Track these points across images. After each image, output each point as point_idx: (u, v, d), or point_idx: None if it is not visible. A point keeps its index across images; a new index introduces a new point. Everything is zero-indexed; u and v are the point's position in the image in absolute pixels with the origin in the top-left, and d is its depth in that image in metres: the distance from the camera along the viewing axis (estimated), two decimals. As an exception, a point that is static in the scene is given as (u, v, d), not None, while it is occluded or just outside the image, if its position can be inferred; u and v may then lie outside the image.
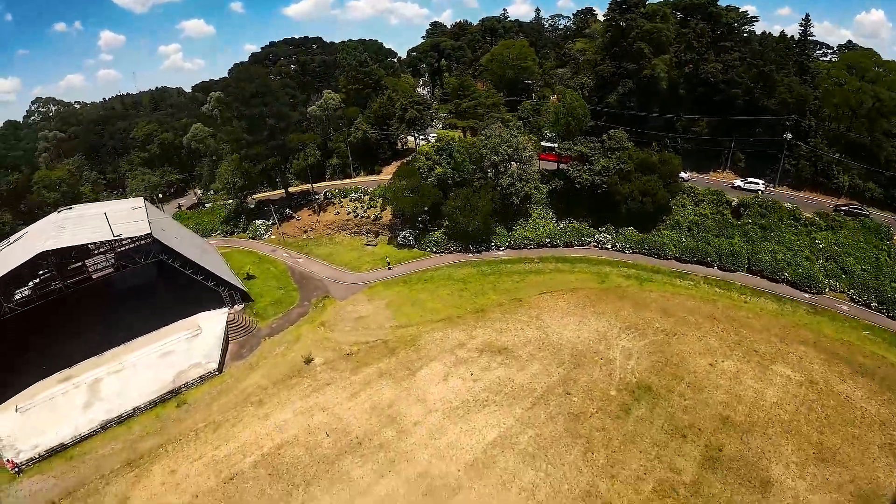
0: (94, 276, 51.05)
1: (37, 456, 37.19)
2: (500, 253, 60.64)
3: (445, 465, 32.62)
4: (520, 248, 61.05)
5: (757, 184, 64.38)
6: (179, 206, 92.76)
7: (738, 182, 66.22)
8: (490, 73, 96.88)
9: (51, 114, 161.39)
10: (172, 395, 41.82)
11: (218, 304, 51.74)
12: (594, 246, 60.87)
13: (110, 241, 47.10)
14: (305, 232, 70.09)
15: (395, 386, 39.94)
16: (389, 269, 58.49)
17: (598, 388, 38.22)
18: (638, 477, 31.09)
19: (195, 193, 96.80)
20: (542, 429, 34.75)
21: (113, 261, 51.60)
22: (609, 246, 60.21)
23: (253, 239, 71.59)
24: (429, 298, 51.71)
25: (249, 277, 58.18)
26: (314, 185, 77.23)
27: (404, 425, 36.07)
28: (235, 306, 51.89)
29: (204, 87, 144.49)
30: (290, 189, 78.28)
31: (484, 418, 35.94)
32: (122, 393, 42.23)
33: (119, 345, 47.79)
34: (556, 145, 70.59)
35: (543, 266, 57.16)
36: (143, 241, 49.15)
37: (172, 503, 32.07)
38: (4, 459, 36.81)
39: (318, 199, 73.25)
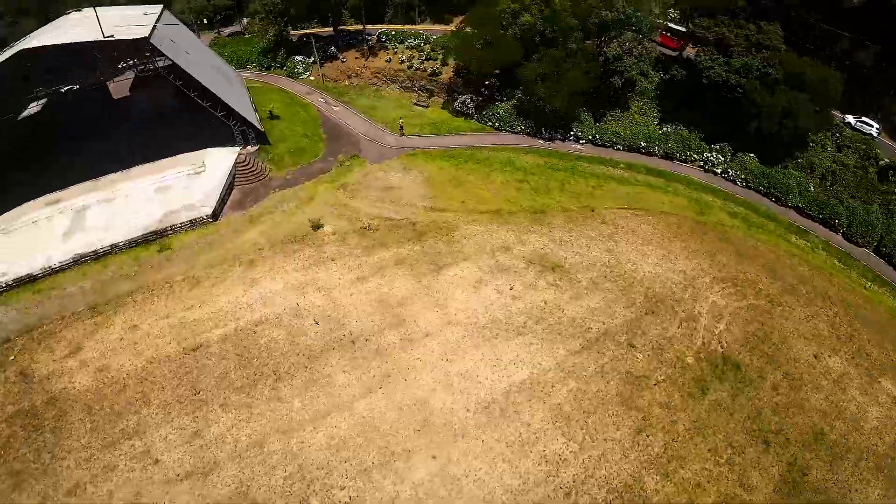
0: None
1: (4, 284, 32.59)
2: (579, 146, 47.56)
3: (453, 399, 24.98)
4: (605, 145, 47.52)
5: (871, 126, 47.54)
6: (219, 33, 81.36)
7: (850, 118, 48.80)
8: None
9: None
10: (157, 238, 35.32)
11: (232, 142, 43.24)
12: (699, 166, 46.56)
13: (100, 42, 37.57)
14: (349, 77, 58.29)
15: (413, 280, 31.53)
16: (402, 134, 47.54)
17: (671, 350, 28.34)
18: (698, 483, 22.55)
19: (241, 22, 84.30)
20: (587, 384, 25.95)
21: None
22: (719, 170, 45.87)
23: (290, 77, 60.66)
24: (478, 183, 40.99)
25: (273, 117, 48.62)
26: (368, 26, 63.29)
27: (413, 333, 28.24)
28: (248, 147, 43.23)
29: None
30: (342, 28, 64.76)
31: (515, 350, 27.38)
32: (107, 226, 36.14)
33: (117, 171, 41.07)
34: (683, 28, 52.73)
35: (630, 175, 44.15)
36: (147, 55, 40.05)
37: (124, 365, 26.62)
38: None
39: (370, 41, 59.99)
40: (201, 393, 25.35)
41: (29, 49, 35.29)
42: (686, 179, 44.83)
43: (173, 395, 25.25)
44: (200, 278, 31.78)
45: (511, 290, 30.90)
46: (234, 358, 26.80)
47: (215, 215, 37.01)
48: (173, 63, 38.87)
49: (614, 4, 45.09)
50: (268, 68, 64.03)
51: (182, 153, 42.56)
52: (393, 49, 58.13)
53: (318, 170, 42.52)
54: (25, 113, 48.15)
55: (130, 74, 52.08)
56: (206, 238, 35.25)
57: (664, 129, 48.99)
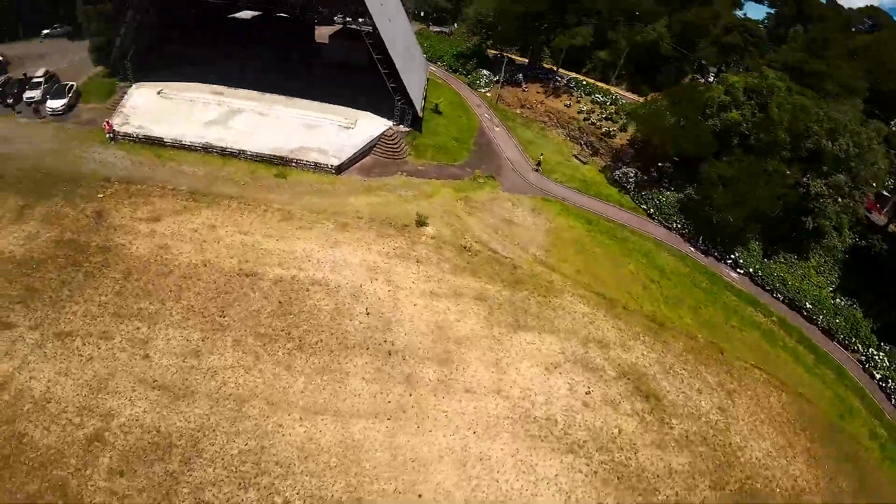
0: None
1: (133, 135, 34.93)
2: (734, 275, 39.64)
3: (456, 482, 19.95)
4: (765, 287, 38.92)
5: None
6: (428, 26, 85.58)
7: None
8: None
9: None
10: (280, 163, 35.57)
11: (389, 115, 43.05)
12: (859, 359, 36.24)
13: None
14: (522, 107, 56.41)
15: (485, 324, 27.16)
16: (537, 169, 44.39)
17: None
18: None
19: (451, 27, 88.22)
20: None
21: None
22: (878, 375, 35.17)
23: (469, 86, 60.74)
24: (604, 260, 35.54)
25: (436, 111, 48.15)
26: (562, 70, 61.41)
27: (454, 379, 23.82)
28: (401, 126, 42.70)
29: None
30: (537, 62, 63.64)
31: (556, 468, 21.47)
32: (246, 133, 37.53)
33: (282, 95, 43.04)
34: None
35: (779, 334, 35.32)
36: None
37: (182, 254, 26.19)
38: (105, 121, 35.62)
39: (559, 82, 57.80)
40: (226, 318, 23.58)
41: None
42: (839, 369, 34.79)
43: (201, 306, 23.83)
44: (293, 215, 30.76)
45: (587, 394, 25.02)
46: (276, 303, 24.75)
47: (339, 169, 36.38)
48: (374, 26, 39.70)
49: (838, 137, 37.22)
50: (454, 71, 64.95)
51: (343, 106, 43.31)
52: (577, 97, 55.14)
53: (452, 174, 40.37)
54: (239, 14, 53.43)
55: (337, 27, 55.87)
56: (319, 184, 34.61)
57: (837, 300, 39.22)
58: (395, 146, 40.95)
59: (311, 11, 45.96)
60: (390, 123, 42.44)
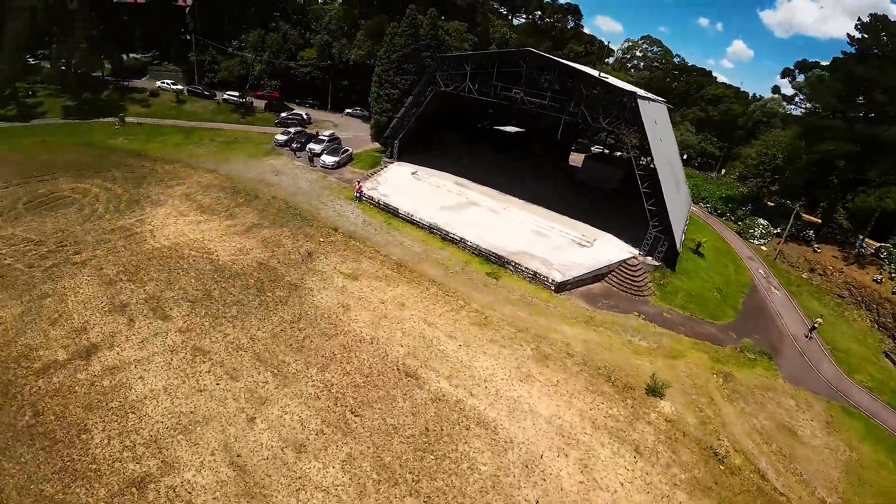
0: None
1: (376, 200, 35.31)
2: None
3: None
4: None
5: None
6: (695, 167, 76.97)
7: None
8: None
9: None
10: (497, 263, 30.85)
11: (634, 242, 35.39)
12: None
13: (592, 78, 35.96)
14: (812, 271, 41.47)
15: None
16: (810, 336, 28.65)
17: None
18: None
19: (717, 170, 78.01)
20: None
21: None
22: None
23: (739, 234, 48.84)
24: None
25: (696, 252, 38.24)
26: (869, 239, 44.44)
27: None
28: (648, 257, 34.21)
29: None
30: (834, 219, 47.99)
31: None
32: (474, 224, 34.60)
33: (520, 198, 40.04)
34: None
35: None
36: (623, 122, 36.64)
37: (350, 329, 21.96)
38: (357, 181, 36.99)
39: (863, 250, 41.24)
40: (356, 418, 17.54)
41: (532, 51, 36.71)
42: None
43: (341, 389, 18.53)
44: (489, 323, 24.64)
45: None
46: (422, 427, 17.75)
47: (560, 287, 29.53)
48: (644, 135, 33.71)
49: None
50: (720, 215, 54.23)
51: (581, 222, 37.61)
52: (890, 272, 37.80)
53: (708, 335, 29.12)
54: (503, 127, 55.11)
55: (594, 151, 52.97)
56: (532, 297, 28.19)
57: None
58: (637, 279, 32.34)
59: (581, 119, 43.52)
60: (635, 251, 34.39)
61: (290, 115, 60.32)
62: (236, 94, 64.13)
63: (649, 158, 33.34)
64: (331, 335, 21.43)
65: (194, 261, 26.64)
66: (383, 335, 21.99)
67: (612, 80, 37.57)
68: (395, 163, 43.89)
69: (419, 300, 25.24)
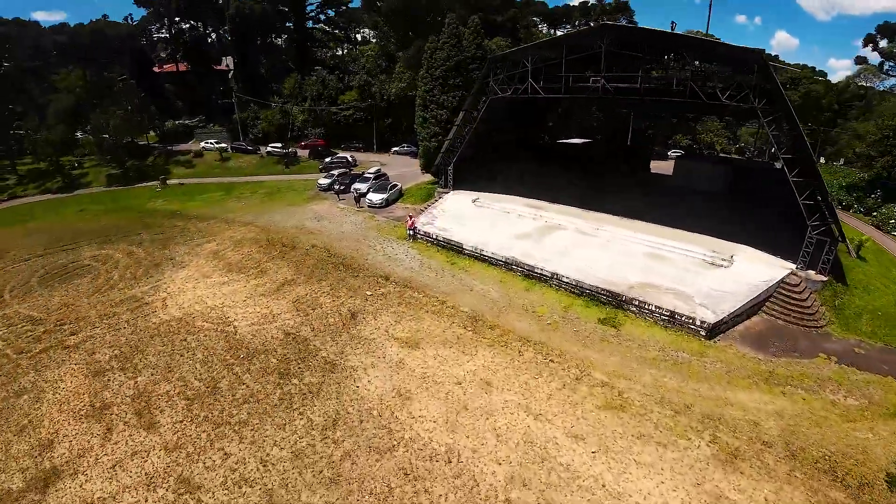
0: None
1: (433, 236, 27.66)
2: None
3: None
4: None
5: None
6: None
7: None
8: None
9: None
10: (611, 303, 21.88)
11: (783, 253, 25.19)
12: None
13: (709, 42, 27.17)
14: None
15: None
16: None
17: None
18: None
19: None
20: None
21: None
22: None
23: (877, 228, 36.85)
24: None
25: (857, 254, 27.31)
26: None
27: None
28: (810, 271, 23.78)
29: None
30: None
31: None
32: (564, 252, 26.03)
33: (614, 214, 31.20)
34: None
35: None
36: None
37: (414, 437, 13.78)
38: (408, 215, 29.75)
39: None
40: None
41: (613, 25, 28.74)
42: None
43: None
44: (629, 404, 15.61)
45: None
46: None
47: (713, 331, 19.98)
48: (788, 111, 24.13)
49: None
50: (845, 207, 42.70)
51: (704, 234, 27.96)
52: None
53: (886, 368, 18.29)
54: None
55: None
56: (675, 350, 18.85)
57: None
58: (805, 303, 22.11)
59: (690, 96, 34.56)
60: (791, 265, 24.17)
61: (334, 159, 55.66)
62: (279, 145, 60.96)
63: (795, 133, 23.55)
64: (383, 450, 13.35)
65: (206, 336, 19.99)
66: (466, 444, 13.60)
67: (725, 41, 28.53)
68: (451, 192, 36.65)
69: (512, 374, 16.77)
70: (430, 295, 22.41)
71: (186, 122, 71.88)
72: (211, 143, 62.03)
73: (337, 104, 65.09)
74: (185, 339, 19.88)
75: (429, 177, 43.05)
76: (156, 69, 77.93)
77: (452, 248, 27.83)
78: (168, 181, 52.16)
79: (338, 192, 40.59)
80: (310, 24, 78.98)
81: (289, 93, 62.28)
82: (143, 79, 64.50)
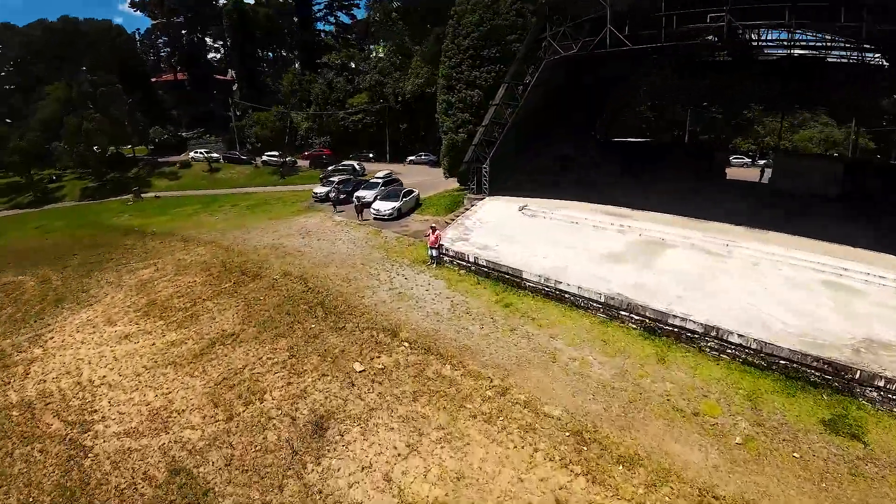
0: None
1: (469, 258, 17.05)
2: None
3: None
4: None
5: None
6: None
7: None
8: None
9: None
10: (840, 387, 10.55)
11: None
12: None
13: None
14: None
15: None
16: None
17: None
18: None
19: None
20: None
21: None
22: None
23: None
24: None
25: None
26: None
27: None
28: None
29: None
30: None
31: None
32: (696, 284, 14.92)
33: (739, 224, 20.18)
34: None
35: None
36: None
37: None
38: (430, 227, 18.90)
39: None
40: None
41: None
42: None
43: None
44: None
45: None
46: None
47: None
48: None
49: None
50: None
51: (877, 251, 16.74)
52: None
53: None
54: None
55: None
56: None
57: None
58: None
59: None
60: None
61: (338, 167, 45.89)
62: (276, 154, 51.68)
63: None
64: None
65: (39, 455, 9.49)
66: None
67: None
68: (488, 198, 26.08)
69: None
70: (474, 372, 11.51)
71: (182, 133, 63.58)
72: (200, 153, 53.07)
73: (345, 108, 55.85)
74: (8, 456, 9.37)
75: (453, 184, 32.76)
76: (154, 79, 70.34)
77: (504, 278, 16.98)
78: (144, 194, 43.02)
79: (335, 202, 30.44)
80: (319, 25, 70.95)
81: (288, 90, 53.02)
82: (135, 87, 56.31)
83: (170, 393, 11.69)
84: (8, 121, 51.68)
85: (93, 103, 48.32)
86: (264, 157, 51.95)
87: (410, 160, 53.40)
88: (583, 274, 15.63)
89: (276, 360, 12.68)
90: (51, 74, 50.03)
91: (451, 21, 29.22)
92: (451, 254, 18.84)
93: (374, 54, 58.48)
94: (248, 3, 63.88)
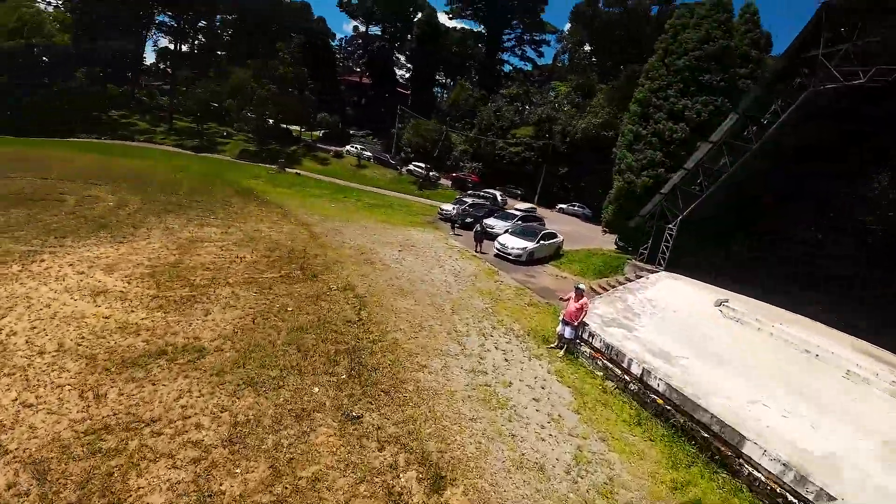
0: None
1: (622, 362, 8.62)
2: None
3: None
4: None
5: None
6: None
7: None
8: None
9: None
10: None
11: None
12: None
13: None
14: None
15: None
16: None
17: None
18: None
19: None
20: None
21: None
22: None
23: None
24: None
25: None
26: None
27: None
28: None
29: None
30: None
31: None
32: None
33: None
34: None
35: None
36: None
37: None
38: (577, 289, 10.68)
39: None
40: None
41: None
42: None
43: None
44: None
45: None
46: None
47: None
48: None
49: None
50: None
51: None
52: None
53: None
54: None
55: None
56: None
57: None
58: None
59: None
60: None
61: (479, 192, 40.75)
62: (423, 165, 48.85)
63: None
64: None
65: None
66: None
67: None
68: (664, 273, 17.39)
69: None
70: None
71: (350, 130, 65.80)
72: (355, 148, 53.02)
73: (506, 138, 51.21)
74: None
75: (609, 244, 24.56)
76: (341, 77, 75.20)
77: (697, 435, 8.43)
78: (288, 169, 43.09)
79: (456, 223, 24.53)
80: (504, 55, 68.95)
81: (452, 102, 50.16)
82: (320, 77, 59.48)
83: (23, 409, 6.05)
84: (210, 76, 58.06)
85: (277, 81, 51.20)
86: (410, 166, 49.60)
87: (561, 208, 46.12)
88: (867, 487, 6.43)
89: (207, 433, 6.30)
90: (251, 47, 54.64)
91: (664, 36, 21.78)
92: (596, 343, 10.80)
93: (553, 91, 53.29)
94: (442, 23, 64.57)
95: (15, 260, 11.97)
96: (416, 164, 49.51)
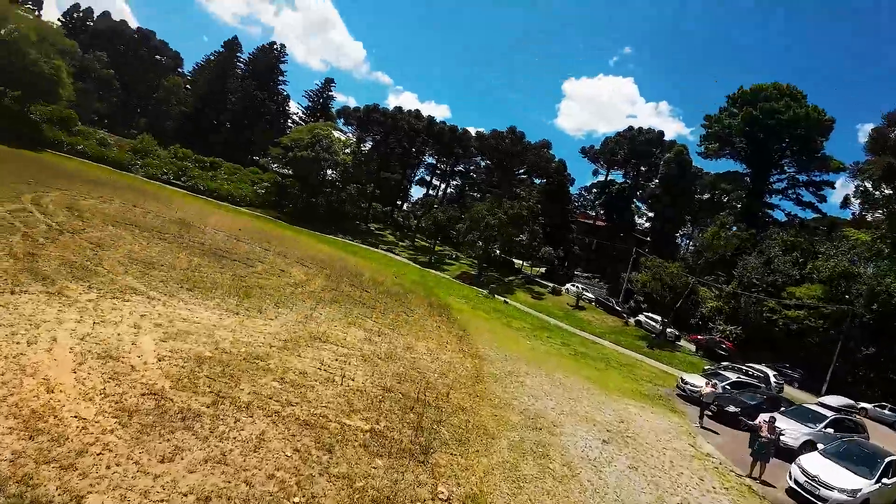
0: None
1: None
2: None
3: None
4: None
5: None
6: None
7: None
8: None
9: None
10: None
11: None
12: None
13: None
14: None
15: None
16: None
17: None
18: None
19: None
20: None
21: None
22: None
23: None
24: None
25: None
26: None
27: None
28: None
29: None
30: None
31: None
32: None
33: None
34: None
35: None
36: None
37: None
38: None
39: None
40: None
41: None
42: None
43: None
44: None
45: None
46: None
47: None
48: None
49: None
50: None
51: None
52: None
53: None
54: None
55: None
56: None
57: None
58: None
59: None
60: None
61: (741, 366, 27.89)
62: (658, 318, 38.50)
63: None
64: None
65: None
66: None
67: None
68: None
69: None
70: None
71: (576, 271, 60.78)
72: (575, 286, 46.95)
73: (780, 297, 36.73)
74: None
75: None
76: (573, 219, 72.98)
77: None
78: (498, 296, 39.86)
79: (705, 411, 14.61)
80: (775, 198, 54.88)
81: (705, 245, 39.30)
82: (551, 212, 58.08)
83: None
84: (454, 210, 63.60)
85: (510, 215, 51.43)
86: (641, 317, 39.99)
87: (863, 408, 27.56)
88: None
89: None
90: (494, 179, 57.67)
91: None
92: None
93: (847, 240, 37.50)
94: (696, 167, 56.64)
95: (102, 295, 9.79)
96: (649, 314, 39.55)
